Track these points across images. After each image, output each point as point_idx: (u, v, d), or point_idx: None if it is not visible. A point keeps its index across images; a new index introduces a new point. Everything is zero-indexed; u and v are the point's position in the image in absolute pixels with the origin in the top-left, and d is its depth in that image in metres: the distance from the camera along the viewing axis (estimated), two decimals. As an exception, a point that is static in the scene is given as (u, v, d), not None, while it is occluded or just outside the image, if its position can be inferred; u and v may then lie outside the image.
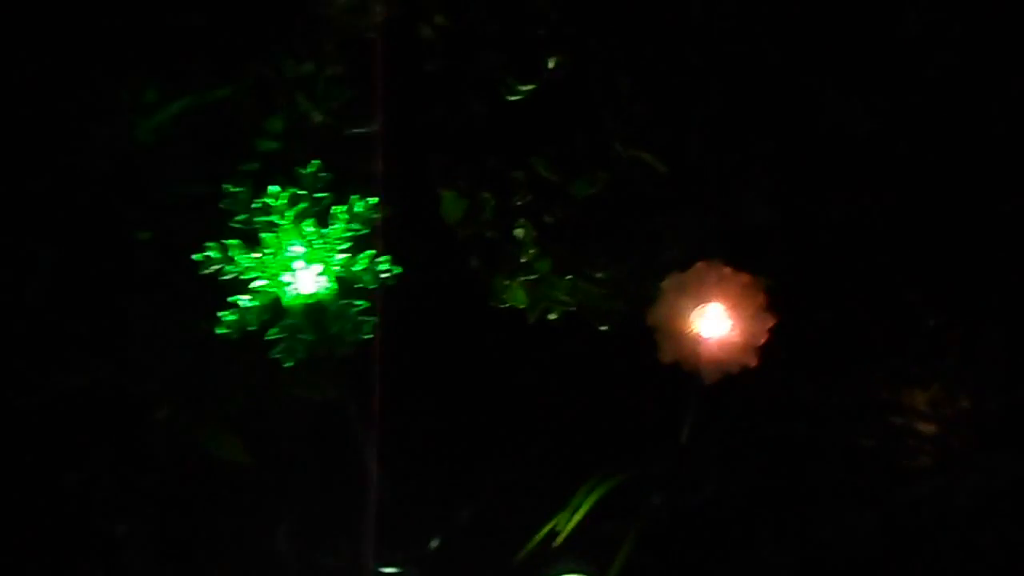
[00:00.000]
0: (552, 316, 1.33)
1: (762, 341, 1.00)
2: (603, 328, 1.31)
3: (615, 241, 1.31)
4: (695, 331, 1.01)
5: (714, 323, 1.00)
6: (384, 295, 1.18)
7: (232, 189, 0.88)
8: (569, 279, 1.31)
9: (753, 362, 1.01)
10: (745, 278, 1.01)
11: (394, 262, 1.02)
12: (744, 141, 1.28)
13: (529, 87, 1.24)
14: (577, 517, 1.33)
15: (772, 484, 1.39)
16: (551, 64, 1.22)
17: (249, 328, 0.87)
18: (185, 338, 0.89)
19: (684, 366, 1.02)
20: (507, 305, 1.31)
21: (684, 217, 1.29)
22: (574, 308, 1.32)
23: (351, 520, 1.27)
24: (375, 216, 0.90)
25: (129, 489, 1.08)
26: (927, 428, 1.47)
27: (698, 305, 1.00)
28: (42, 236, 1.02)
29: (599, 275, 1.31)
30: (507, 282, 1.30)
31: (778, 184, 1.30)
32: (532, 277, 1.31)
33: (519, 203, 1.29)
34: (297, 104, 1.04)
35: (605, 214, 1.31)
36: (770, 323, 1.01)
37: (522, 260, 1.30)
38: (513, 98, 1.25)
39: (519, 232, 1.29)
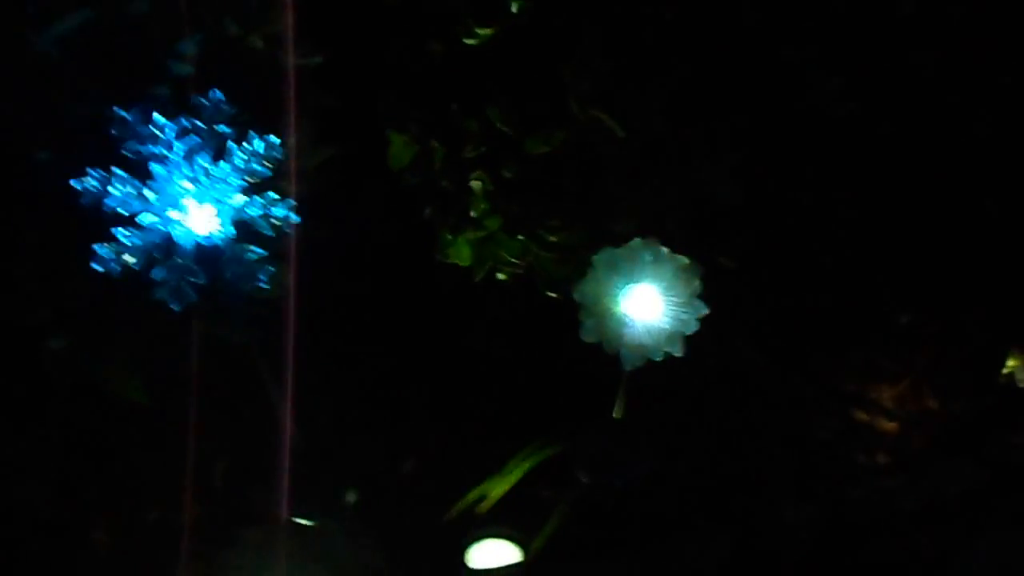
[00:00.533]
0: (500, 277, 1.25)
1: (691, 331, 0.92)
2: (551, 294, 1.24)
3: (570, 205, 1.23)
4: (622, 312, 0.92)
5: (643, 306, 0.92)
6: (302, 241, 1.11)
7: (122, 113, 0.79)
8: (519, 240, 1.23)
9: (679, 352, 0.93)
10: (682, 261, 0.92)
11: (335, 209, 0.94)
12: (714, 111, 1.18)
13: (489, 31, 1.14)
14: (507, 484, 1.28)
15: (713, 468, 1.33)
16: (514, 8, 1.12)
17: (129, 264, 0.79)
18: (83, 268, 0.81)
19: (606, 347, 0.94)
20: (450, 261, 1.23)
21: (643, 186, 1.20)
22: (522, 271, 1.24)
23: (265, 469, 1.22)
24: (277, 156, 0.81)
25: (27, 419, 1.03)
26: (888, 426, 1.41)
27: (628, 284, 0.92)
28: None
29: (551, 239, 1.23)
30: (451, 237, 1.22)
31: (747, 160, 1.20)
32: (480, 234, 1.23)
33: (471, 155, 1.20)
34: (224, 26, 0.95)
35: (561, 175, 1.22)
36: (703, 312, 0.92)
37: (472, 215, 1.22)
38: (471, 42, 1.16)
39: (475, 184, 1.20)
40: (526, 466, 1.29)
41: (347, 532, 1.26)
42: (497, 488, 1.28)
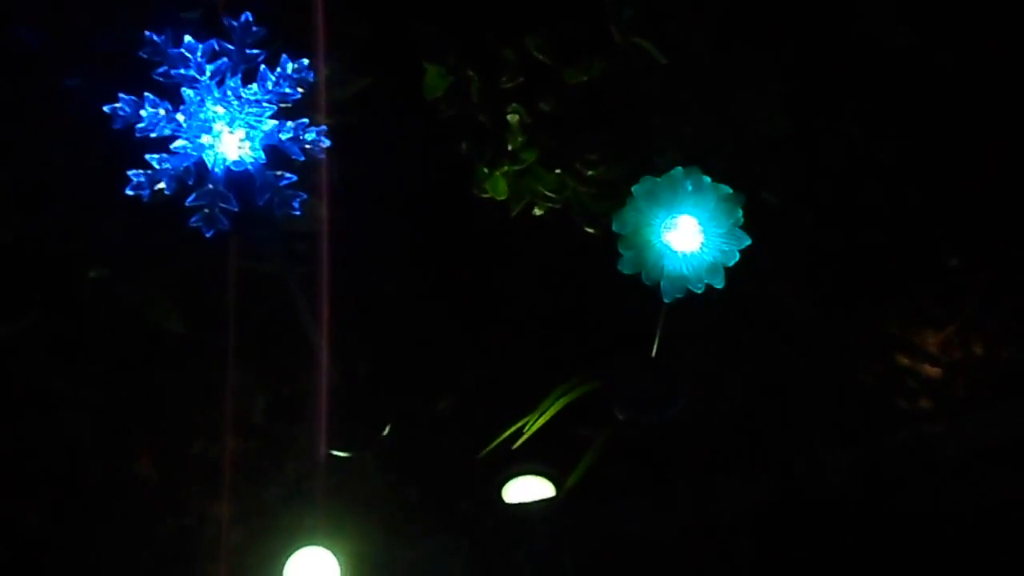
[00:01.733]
0: (537, 212, 1.22)
1: (732, 262, 0.88)
2: (590, 230, 1.20)
3: (609, 138, 1.18)
4: (662, 243, 0.89)
5: (683, 236, 0.88)
6: (336, 174, 1.09)
7: (152, 37, 0.76)
8: (557, 174, 1.19)
9: (720, 284, 0.90)
10: (724, 190, 0.88)
11: (369, 142, 0.91)
12: (761, 38, 1.12)
13: (527, -44, 1.09)
14: (543, 420, 1.26)
15: (751, 409, 1.30)
16: (552, -69, 1.07)
17: (161, 190, 0.78)
18: (117, 196, 0.80)
19: (645, 280, 0.91)
20: (488, 195, 1.20)
21: (685, 118, 1.15)
22: (559, 206, 1.21)
23: (304, 403, 1.22)
24: (308, 79, 0.78)
25: (65, 347, 1.03)
26: (932, 371, 1.36)
27: (669, 215, 0.88)
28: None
29: (590, 173, 1.19)
30: (488, 171, 1.19)
31: (796, 92, 1.14)
32: (517, 167, 1.19)
33: (508, 85, 1.16)
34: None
35: (600, 107, 1.17)
36: (745, 243, 0.88)
37: (509, 148, 1.18)
38: (509, -33, 1.11)
39: (512, 117, 1.16)
40: (562, 403, 1.27)
41: (383, 466, 1.25)
42: (532, 424, 1.26)
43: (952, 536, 1.20)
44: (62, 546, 1.17)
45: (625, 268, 0.92)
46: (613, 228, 0.93)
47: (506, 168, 1.19)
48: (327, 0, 1.05)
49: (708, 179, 0.89)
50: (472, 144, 1.21)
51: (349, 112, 1.15)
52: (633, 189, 0.91)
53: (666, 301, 0.91)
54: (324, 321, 1.08)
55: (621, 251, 0.92)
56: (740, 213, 0.88)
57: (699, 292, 0.92)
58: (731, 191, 0.90)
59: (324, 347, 1.11)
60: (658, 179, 0.90)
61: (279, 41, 0.89)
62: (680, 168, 0.90)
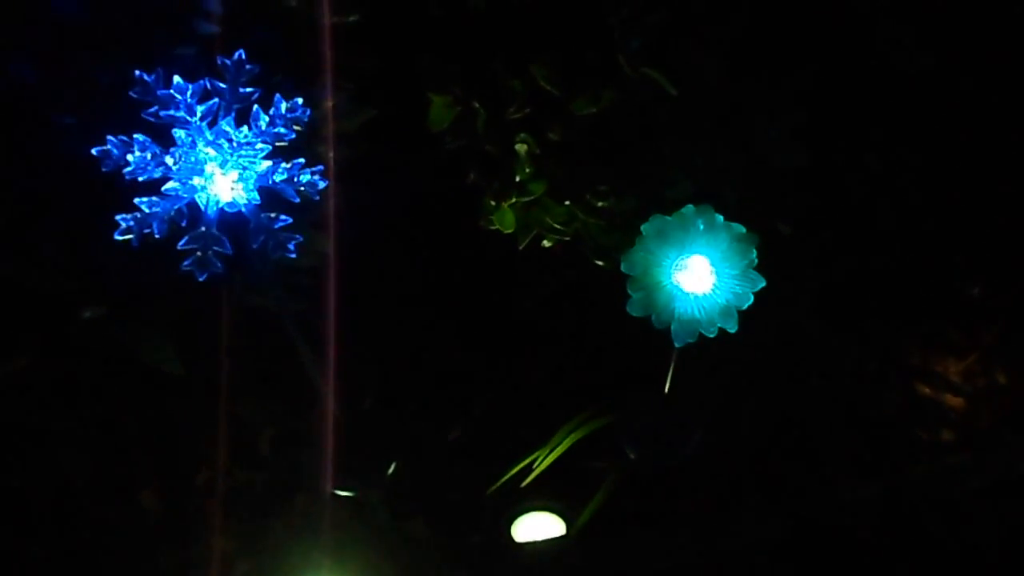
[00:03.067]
0: (546, 244, 1.18)
1: (745, 305, 0.83)
2: (599, 263, 1.16)
3: (619, 169, 1.14)
4: (672, 284, 0.84)
5: (694, 278, 0.83)
6: (342, 206, 1.05)
7: (142, 76, 0.73)
8: (566, 205, 1.15)
9: (733, 328, 0.85)
10: (737, 230, 0.83)
11: (376, 174, 0.88)
12: (774, 66, 1.07)
13: (533, -16, 1.05)
14: (553, 456, 1.22)
15: (769, 443, 1.25)
16: (560, -42, 1.03)
17: (151, 234, 0.74)
18: (110, 238, 0.76)
19: (655, 323, 0.86)
20: (494, 228, 1.16)
21: (697, 149, 1.10)
22: (569, 238, 1.17)
23: (308, 440, 1.18)
24: (302, 119, 0.74)
25: (62, 387, 1.00)
26: (954, 401, 1.31)
27: (680, 255, 0.83)
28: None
29: (599, 204, 1.15)
30: (494, 203, 1.15)
31: (812, 120, 1.10)
32: (525, 199, 1.15)
33: (515, 116, 1.12)
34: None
35: (610, 138, 1.13)
36: (759, 285, 0.83)
37: (516, 179, 1.15)
38: (516, -5, 1.07)
39: (520, 148, 1.12)
40: (573, 438, 1.23)
41: (390, 503, 1.22)
42: (543, 460, 1.22)
43: (974, 570, 1.14)
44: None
45: (634, 310, 0.87)
46: (622, 268, 0.88)
47: (514, 200, 1.15)
48: (333, 32, 1.02)
49: (721, 218, 0.85)
50: (479, 175, 1.17)
51: (355, 144, 1.12)
52: (643, 228, 0.86)
53: (677, 345, 0.86)
54: (330, 354, 1.04)
55: (630, 292, 0.87)
56: (754, 253, 0.83)
57: (711, 336, 0.87)
58: (745, 230, 0.85)
59: (326, 381, 1.07)
60: (668, 217, 0.86)
61: (279, 76, 0.86)
62: (691, 206, 0.85)
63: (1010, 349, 1.31)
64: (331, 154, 1.03)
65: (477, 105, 1.10)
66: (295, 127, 0.78)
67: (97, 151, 0.75)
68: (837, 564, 1.17)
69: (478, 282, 1.31)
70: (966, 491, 1.22)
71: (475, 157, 1.17)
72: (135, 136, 0.75)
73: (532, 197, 1.15)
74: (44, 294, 0.93)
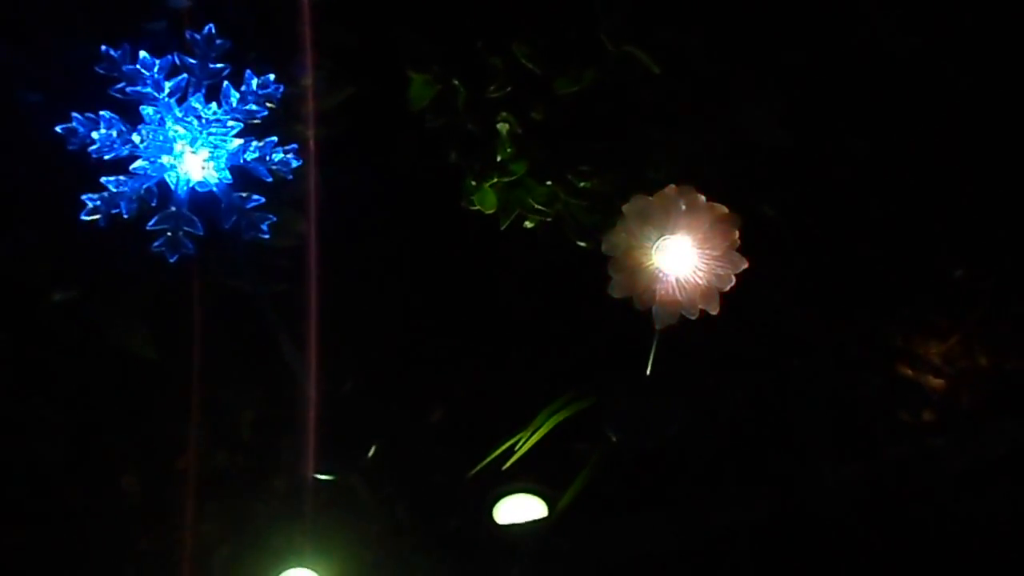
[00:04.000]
0: (528, 224, 1.16)
1: (729, 287, 0.82)
2: (582, 244, 1.14)
3: (601, 149, 1.12)
4: (653, 266, 0.83)
5: (676, 259, 0.82)
6: (320, 186, 1.03)
7: (110, 52, 0.70)
8: (548, 186, 1.13)
9: (715, 310, 0.83)
10: (720, 210, 0.81)
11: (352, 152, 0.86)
12: (759, 46, 1.05)
13: (513, -40, 1.03)
14: (535, 438, 1.21)
15: (750, 426, 1.25)
16: (540, -66, 1.01)
17: (119, 215, 0.72)
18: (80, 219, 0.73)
19: (637, 304, 0.85)
20: (475, 208, 1.14)
21: (680, 130, 1.09)
22: (551, 219, 1.15)
23: (288, 423, 1.17)
24: (274, 95, 0.72)
25: (34, 372, 0.97)
26: (936, 383, 1.31)
27: (661, 236, 0.82)
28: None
29: (581, 185, 1.13)
30: (475, 183, 1.13)
31: (796, 102, 1.08)
32: (506, 180, 1.13)
33: (496, 95, 1.10)
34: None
35: (592, 117, 1.11)
36: (742, 266, 0.82)
37: (498, 159, 1.13)
38: (495, -28, 1.04)
39: (502, 127, 1.10)
40: (554, 420, 1.22)
41: (371, 484, 1.20)
42: (524, 442, 1.21)
43: (956, 551, 1.14)
44: (45, 563, 1.12)
45: (615, 292, 0.86)
46: (602, 249, 0.86)
47: (495, 180, 1.13)
48: (310, 8, 0.99)
49: (703, 198, 0.83)
50: (460, 155, 1.15)
51: (333, 123, 1.10)
52: (624, 208, 0.85)
53: (658, 327, 0.85)
54: (310, 336, 1.02)
55: (611, 274, 0.86)
56: (736, 235, 0.82)
57: (692, 318, 0.85)
58: (727, 211, 0.83)
59: (306, 365, 1.05)
60: (650, 197, 0.84)
61: (253, 53, 0.83)
62: (673, 186, 0.84)
63: (992, 331, 1.31)
64: (310, 133, 1.01)
65: (457, 83, 1.08)
66: (267, 104, 0.75)
67: (62, 128, 0.72)
68: (819, 546, 1.16)
69: (459, 263, 1.30)
70: (947, 473, 1.22)
71: (456, 136, 1.15)
72: (101, 113, 0.72)
73: (513, 177, 1.13)
74: (12, 277, 0.91)
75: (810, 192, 1.20)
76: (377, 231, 1.22)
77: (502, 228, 1.15)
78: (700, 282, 0.83)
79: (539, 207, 1.13)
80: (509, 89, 1.09)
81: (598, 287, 1.06)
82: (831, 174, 1.20)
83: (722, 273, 0.83)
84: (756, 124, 1.06)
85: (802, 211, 1.22)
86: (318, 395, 1.09)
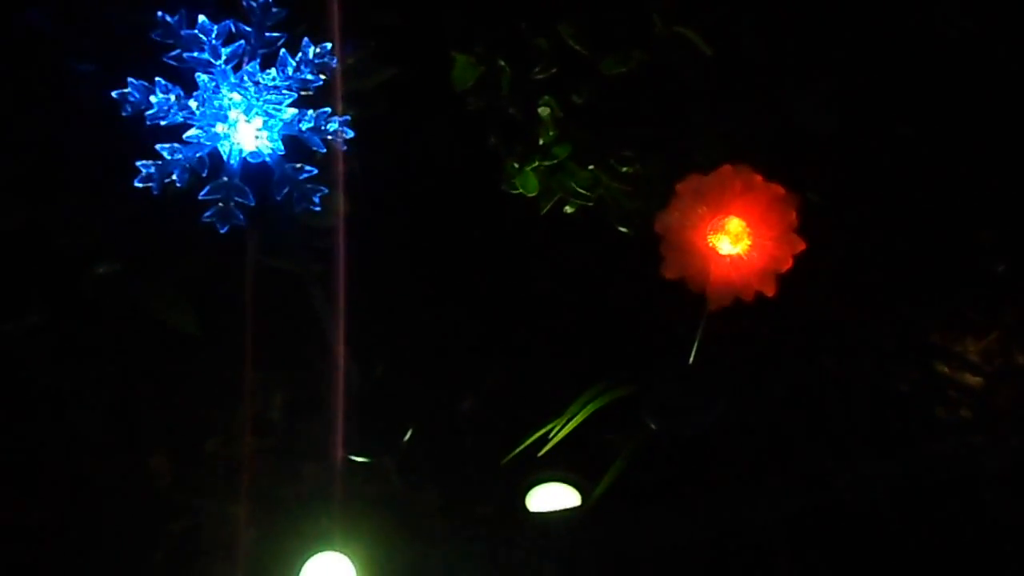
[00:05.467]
0: (568, 209, 1.15)
1: (786, 268, 0.80)
2: (622, 229, 1.13)
3: (645, 133, 1.11)
4: (708, 246, 0.81)
5: (732, 239, 0.80)
6: (359, 167, 1.02)
7: (164, 17, 0.69)
8: (590, 170, 1.12)
9: (771, 291, 0.82)
10: (777, 190, 0.80)
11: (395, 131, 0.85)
12: (809, 30, 1.03)
13: (561, -61, 1.01)
14: (571, 426, 1.19)
15: (786, 419, 1.23)
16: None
17: (172, 183, 0.71)
18: (128, 189, 0.73)
19: (690, 285, 0.83)
20: (517, 191, 1.13)
21: (728, 112, 1.07)
22: (592, 203, 1.13)
23: (320, 406, 1.16)
24: (331, 65, 0.71)
25: (73, 345, 0.97)
26: (973, 380, 1.29)
27: (716, 215, 0.80)
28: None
29: (624, 169, 1.12)
30: (518, 166, 1.12)
31: (846, 87, 1.06)
32: (548, 163, 1.12)
33: (540, 76, 1.08)
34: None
35: (637, 100, 1.10)
36: (799, 248, 0.80)
37: (540, 142, 1.11)
38: (543, -49, 1.03)
39: (543, 111, 1.09)
40: (590, 409, 1.20)
41: (402, 469, 1.19)
42: (559, 430, 1.20)
43: (991, 548, 1.12)
44: (72, 543, 1.12)
45: (667, 272, 0.84)
46: (655, 228, 0.85)
47: (537, 163, 1.12)
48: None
49: (760, 178, 0.81)
50: (501, 138, 1.14)
51: (372, 103, 1.08)
52: (677, 187, 0.83)
53: (712, 309, 0.83)
54: (340, 320, 1.01)
55: (663, 254, 0.84)
56: (795, 215, 0.80)
57: (748, 301, 0.84)
58: (785, 191, 0.81)
59: (343, 347, 1.04)
60: (705, 176, 0.82)
61: (302, 26, 0.82)
62: (729, 165, 0.82)
63: (1030, 329, 1.28)
64: (350, 113, 1.00)
65: (503, 63, 1.06)
66: (321, 75, 0.74)
67: (117, 94, 0.71)
68: (853, 541, 1.15)
69: (496, 247, 1.28)
70: (984, 470, 1.20)
71: (498, 119, 1.14)
72: (157, 79, 0.72)
73: (556, 161, 1.12)
74: (58, 248, 0.90)
75: (853, 180, 1.18)
76: (413, 214, 1.21)
77: (542, 212, 1.13)
78: (756, 263, 0.82)
79: (582, 191, 1.12)
80: (554, 71, 1.08)
81: (637, 274, 1.05)
82: (877, 162, 1.18)
83: (779, 254, 0.81)
84: (804, 109, 1.04)
85: (844, 200, 1.19)
86: (350, 379, 1.08)
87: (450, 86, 1.11)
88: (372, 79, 1.09)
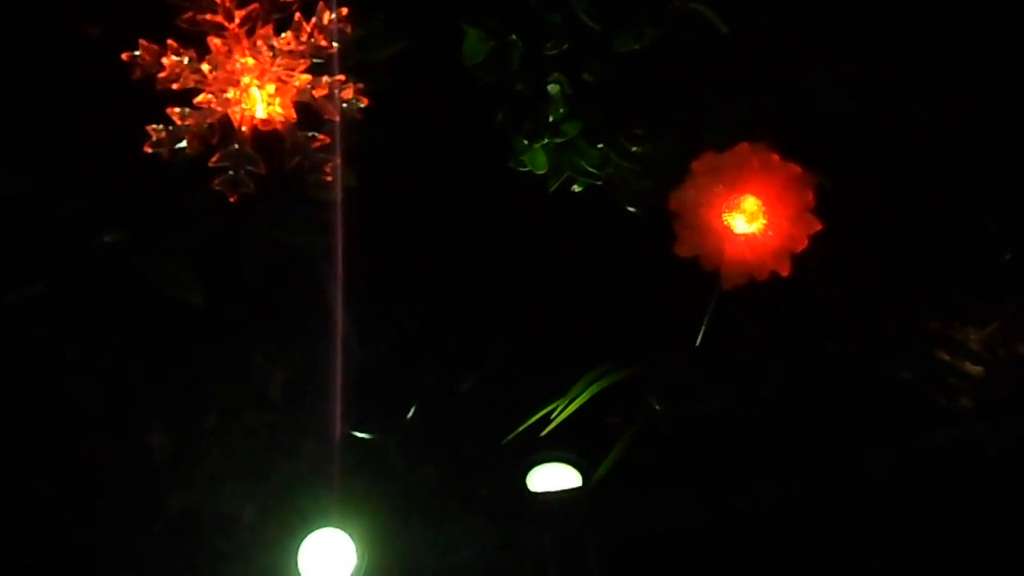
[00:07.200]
0: (576, 188, 1.14)
1: (801, 248, 0.79)
2: (631, 209, 1.12)
3: (657, 111, 1.09)
4: (723, 224, 0.80)
5: (747, 218, 0.79)
6: (366, 133, 1.00)
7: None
8: (600, 148, 1.11)
9: (786, 271, 0.81)
10: (794, 170, 0.79)
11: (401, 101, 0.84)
12: (827, 9, 1.02)
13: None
14: (573, 407, 1.19)
15: (789, 404, 1.23)
16: None
17: (182, 149, 0.69)
18: (137, 155, 0.71)
19: (704, 263, 0.82)
20: (525, 169, 1.12)
21: (742, 91, 1.06)
22: (600, 183, 1.12)
23: (324, 380, 1.15)
24: (346, 32, 0.69)
25: (77, 315, 0.95)
26: (974, 369, 1.29)
27: (732, 194, 0.79)
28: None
29: (634, 148, 1.10)
30: (527, 143, 1.11)
31: (861, 68, 1.05)
32: (557, 140, 1.11)
33: (552, 52, 1.07)
34: None
35: (649, 78, 1.08)
36: (815, 228, 0.79)
37: (550, 119, 1.10)
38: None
39: (552, 88, 1.08)
40: (594, 389, 1.20)
41: (403, 447, 1.19)
42: (562, 411, 1.19)
43: (990, 535, 1.13)
44: (71, 517, 1.11)
45: (681, 250, 0.83)
46: (669, 206, 0.84)
47: (546, 141, 1.11)
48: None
49: (777, 156, 0.80)
50: (510, 114, 1.12)
51: (379, 76, 1.07)
52: (693, 164, 0.82)
53: (725, 289, 0.82)
54: (343, 295, 1.00)
55: (677, 232, 0.83)
56: (811, 195, 0.79)
57: (762, 280, 0.83)
58: (802, 170, 0.81)
59: (346, 324, 1.03)
60: (721, 154, 0.81)
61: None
62: (747, 143, 0.81)
63: (1031, 320, 1.28)
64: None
65: (515, 37, 1.05)
66: (334, 43, 0.73)
67: (128, 57, 0.69)
68: (853, 526, 1.15)
69: (501, 225, 1.27)
70: (983, 458, 1.20)
71: (507, 94, 1.12)
72: (168, 42, 0.70)
73: (565, 138, 1.11)
74: (64, 216, 0.88)
75: (861, 163, 1.18)
76: (416, 190, 1.19)
77: (550, 191, 1.12)
78: (771, 243, 0.81)
79: (591, 170, 1.11)
80: (566, 46, 1.06)
81: (642, 254, 1.04)
82: (886, 145, 1.17)
83: (795, 234, 0.80)
84: (819, 90, 1.03)
85: (850, 183, 1.19)
86: (352, 356, 1.07)
87: (459, 60, 1.10)
88: (381, 51, 1.07)
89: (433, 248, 1.28)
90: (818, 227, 0.81)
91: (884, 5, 1.04)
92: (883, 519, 1.16)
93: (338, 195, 0.96)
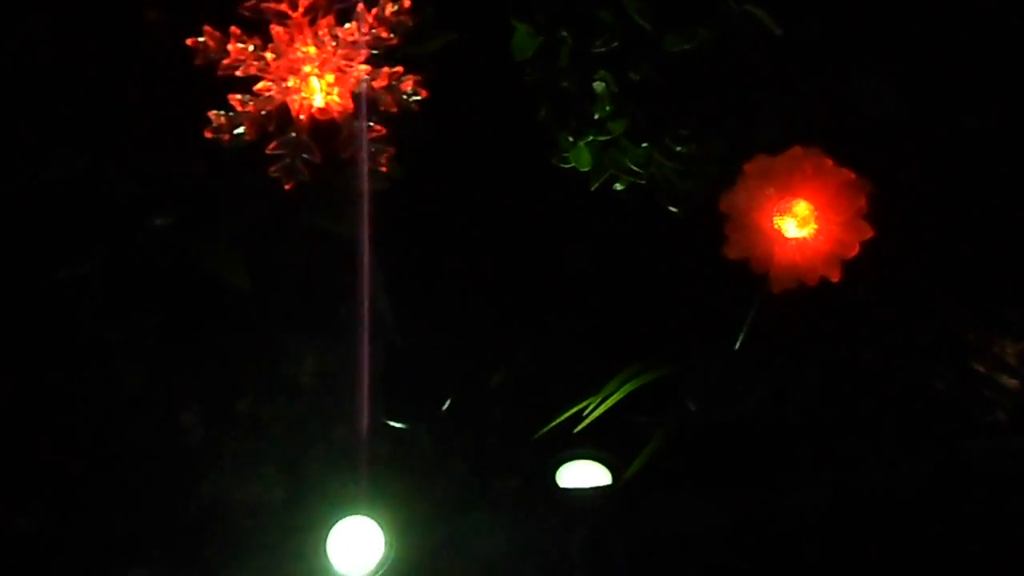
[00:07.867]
0: (618, 187, 1.14)
1: (852, 254, 0.79)
2: (673, 210, 1.12)
3: (705, 112, 1.09)
4: (774, 228, 0.80)
5: (799, 222, 0.79)
6: (420, 126, 1.01)
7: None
8: (644, 147, 1.11)
9: (836, 276, 0.81)
10: (847, 175, 0.78)
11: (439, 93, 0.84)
12: (884, 13, 1.01)
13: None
14: (606, 405, 1.19)
15: (823, 411, 1.22)
16: None
17: (242, 136, 0.70)
18: (194, 139, 0.72)
19: (753, 266, 0.82)
20: (569, 166, 1.12)
21: (793, 94, 1.05)
22: (644, 182, 1.12)
23: (357, 369, 1.16)
24: (407, 24, 0.70)
25: (124, 295, 0.97)
26: (1010, 382, 1.27)
27: (784, 198, 0.79)
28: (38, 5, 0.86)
29: (679, 149, 1.10)
30: (572, 139, 1.11)
31: (915, 74, 1.04)
32: (603, 138, 1.11)
33: (601, 49, 1.07)
34: None
35: (697, 79, 1.08)
36: (867, 235, 0.79)
37: (595, 117, 1.10)
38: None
39: (598, 85, 1.08)
40: (627, 388, 1.20)
41: (433, 437, 1.20)
42: (595, 408, 1.19)
43: (1022, 548, 1.12)
44: (103, 493, 1.13)
45: (730, 253, 0.83)
46: (720, 208, 0.84)
47: (591, 138, 1.11)
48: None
49: (830, 161, 0.80)
50: (554, 111, 1.12)
51: (426, 69, 1.07)
52: (745, 167, 0.82)
53: (775, 292, 0.82)
54: (377, 286, 1.00)
55: (728, 234, 0.83)
56: (864, 201, 0.79)
57: (812, 285, 0.83)
58: (855, 176, 0.80)
59: (383, 314, 1.04)
60: (774, 157, 0.81)
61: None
62: (799, 147, 0.81)
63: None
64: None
65: (565, 34, 1.05)
66: (393, 35, 0.73)
67: (193, 43, 0.70)
68: (882, 536, 1.14)
69: (541, 221, 1.28)
70: (1018, 472, 1.19)
71: (552, 91, 1.12)
72: (232, 29, 0.71)
73: (610, 136, 1.11)
74: (118, 198, 0.90)
75: (910, 172, 1.17)
76: (456, 184, 1.20)
77: (592, 188, 1.12)
78: (822, 248, 0.81)
79: (635, 168, 1.11)
80: (616, 45, 1.06)
81: (682, 255, 1.04)
82: (933, 153, 1.16)
83: (846, 240, 0.80)
84: (871, 93, 1.02)
85: (894, 191, 1.18)
86: (385, 346, 1.08)
87: (504, 55, 1.10)
88: (430, 43, 1.07)
89: (472, 242, 1.28)
90: (870, 234, 0.81)
91: (936, 12, 1.04)
92: (913, 530, 1.16)
93: (385, 186, 0.97)
